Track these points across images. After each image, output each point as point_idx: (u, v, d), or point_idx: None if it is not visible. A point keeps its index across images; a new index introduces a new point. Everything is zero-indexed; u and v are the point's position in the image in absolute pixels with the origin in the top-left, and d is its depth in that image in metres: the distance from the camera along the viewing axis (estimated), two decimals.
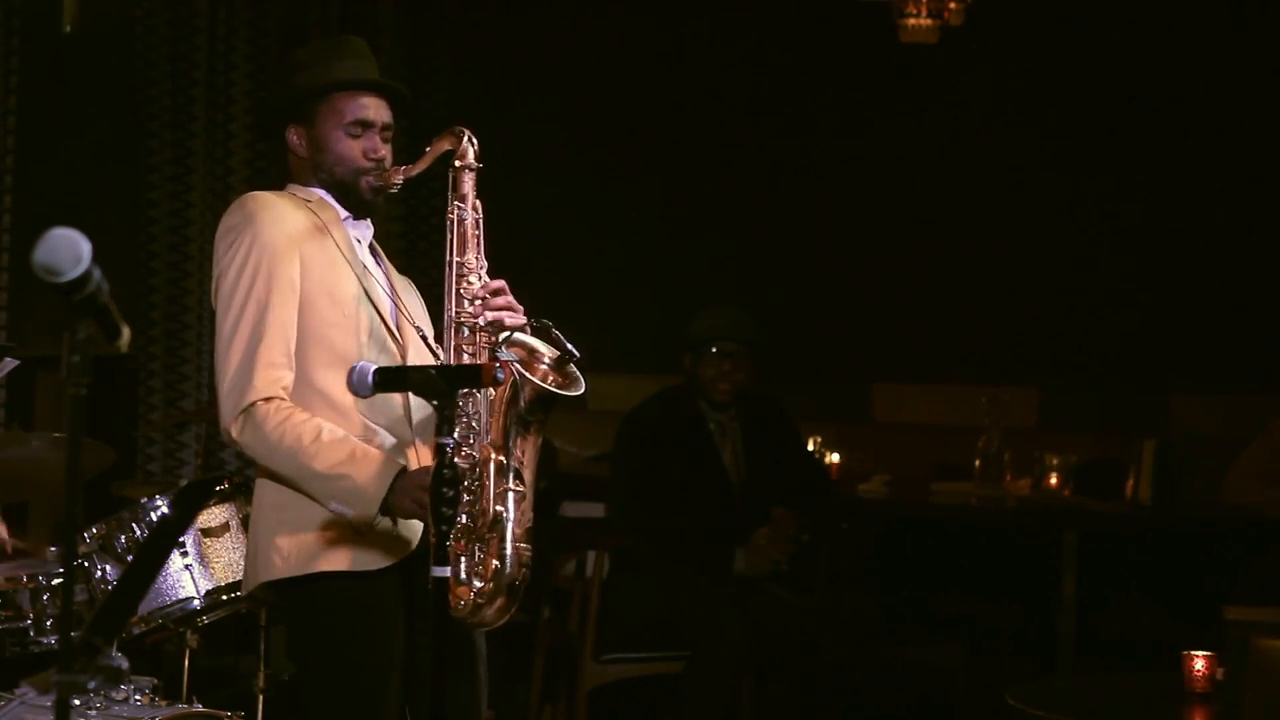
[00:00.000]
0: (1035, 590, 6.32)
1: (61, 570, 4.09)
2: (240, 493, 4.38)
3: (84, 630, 2.41)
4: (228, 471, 5.92)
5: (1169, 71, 7.24)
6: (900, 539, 6.70)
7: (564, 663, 5.71)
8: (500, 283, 3.47)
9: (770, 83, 7.68)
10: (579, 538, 5.86)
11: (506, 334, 3.43)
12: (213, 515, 4.35)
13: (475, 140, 3.50)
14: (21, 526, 4.62)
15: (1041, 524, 6.25)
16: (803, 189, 7.64)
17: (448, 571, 3.16)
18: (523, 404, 3.37)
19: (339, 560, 3.41)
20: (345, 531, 3.41)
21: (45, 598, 4.14)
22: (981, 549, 6.62)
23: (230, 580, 4.28)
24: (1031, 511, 6.31)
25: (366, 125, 3.56)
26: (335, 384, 3.41)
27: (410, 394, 3.44)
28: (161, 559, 3.72)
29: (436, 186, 6.56)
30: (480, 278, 3.47)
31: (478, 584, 3.34)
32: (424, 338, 3.58)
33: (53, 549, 4.28)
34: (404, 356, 3.52)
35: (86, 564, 4.19)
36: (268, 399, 3.40)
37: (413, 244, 7.24)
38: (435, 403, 3.15)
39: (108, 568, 4.22)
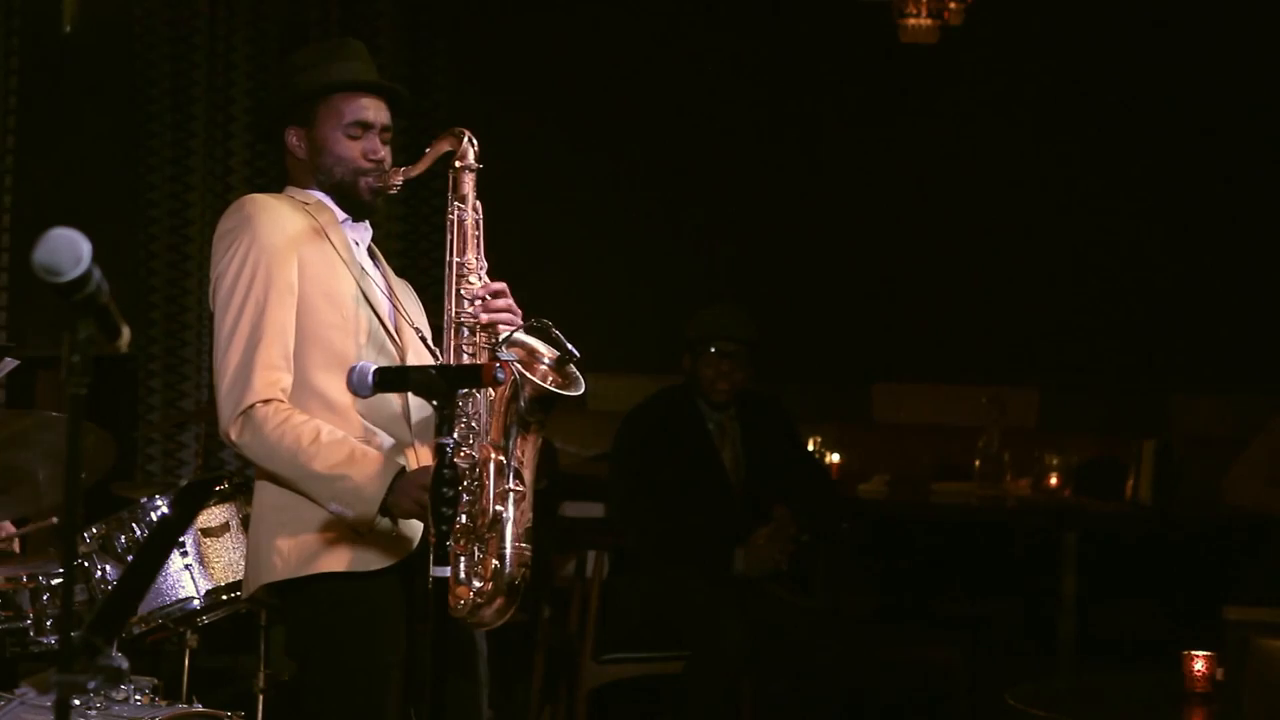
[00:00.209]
0: (1035, 590, 6.32)
1: (61, 570, 4.09)
2: (240, 493, 4.38)
3: (84, 630, 2.41)
4: (227, 471, 5.91)
5: (1169, 71, 7.23)
6: (900, 539, 6.69)
7: (564, 663, 5.71)
8: (501, 285, 3.47)
9: (770, 83, 7.67)
10: (579, 538, 5.86)
11: (506, 334, 3.43)
12: (213, 515, 4.34)
13: (475, 141, 3.50)
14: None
15: (1041, 524, 6.26)
16: (802, 189, 7.63)
17: (448, 571, 3.16)
18: (523, 404, 3.36)
19: (339, 561, 3.41)
20: (345, 532, 3.41)
21: (45, 598, 4.14)
22: (981, 549, 6.62)
23: (230, 580, 4.28)
24: (1031, 511, 6.31)
25: (366, 126, 3.56)
26: (334, 385, 3.41)
27: (409, 395, 3.44)
28: (161, 559, 3.71)
29: (437, 187, 6.56)
30: (480, 278, 3.46)
31: (477, 584, 3.34)
32: (423, 339, 3.58)
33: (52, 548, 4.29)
34: (403, 358, 3.51)
35: (86, 564, 4.19)
36: (266, 401, 3.39)
37: (413, 244, 7.24)
38: (435, 403, 3.14)
39: (108, 568, 4.21)
